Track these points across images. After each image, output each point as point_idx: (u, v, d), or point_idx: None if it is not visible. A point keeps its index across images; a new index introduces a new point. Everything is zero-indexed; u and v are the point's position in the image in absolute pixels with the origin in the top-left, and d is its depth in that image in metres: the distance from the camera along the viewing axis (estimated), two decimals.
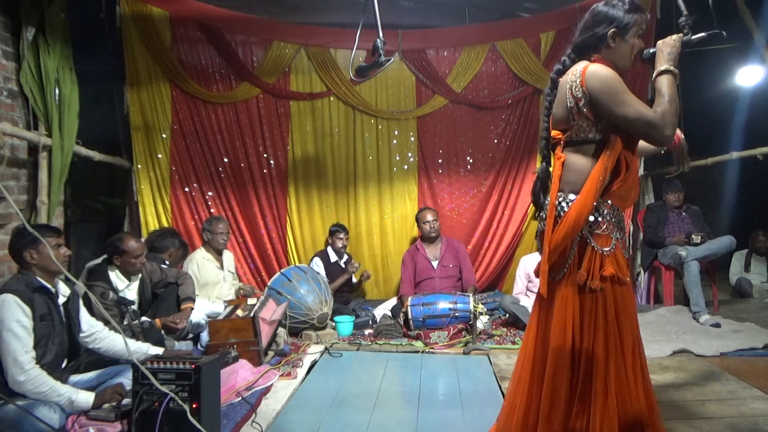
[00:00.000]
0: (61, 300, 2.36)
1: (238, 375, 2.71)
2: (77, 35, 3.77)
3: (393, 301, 4.41)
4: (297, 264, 4.48)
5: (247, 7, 4.67)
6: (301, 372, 2.99)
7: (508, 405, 1.95)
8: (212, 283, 4.01)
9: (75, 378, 2.46)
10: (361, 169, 4.91)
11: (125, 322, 2.89)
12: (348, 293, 4.63)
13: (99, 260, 3.16)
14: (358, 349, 3.52)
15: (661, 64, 1.67)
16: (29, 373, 2.06)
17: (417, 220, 4.60)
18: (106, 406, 2.23)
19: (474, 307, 3.52)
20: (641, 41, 1.75)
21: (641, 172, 4.81)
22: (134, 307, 3.08)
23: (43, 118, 3.51)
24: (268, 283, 3.94)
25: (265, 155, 4.79)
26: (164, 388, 1.90)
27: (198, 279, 3.85)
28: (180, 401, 1.90)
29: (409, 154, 4.95)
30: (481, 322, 3.50)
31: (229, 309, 3.32)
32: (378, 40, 2.95)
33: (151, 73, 4.51)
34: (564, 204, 1.75)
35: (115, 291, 3.03)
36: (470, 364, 3.20)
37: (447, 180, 4.97)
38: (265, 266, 4.82)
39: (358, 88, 4.82)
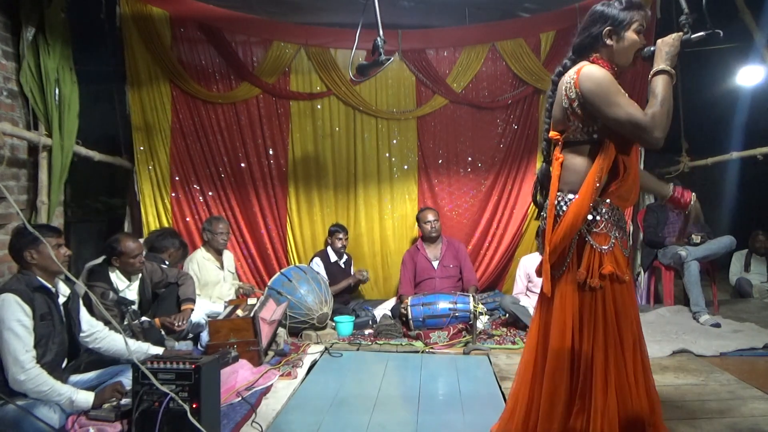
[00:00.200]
0: (62, 300, 2.36)
1: (238, 375, 2.71)
2: (77, 35, 3.77)
3: (393, 301, 4.40)
4: (297, 264, 4.48)
5: (247, 7, 4.67)
6: (301, 372, 2.99)
7: (511, 403, 1.97)
8: (212, 283, 4.01)
9: (75, 378, 2.46)
10: (361, 169, 4.90)
11: (125, 322, 2.88)
12: (348, 294, 4.63)
13: (99, 260, 3.16)
14: (358, 349, 3.52)
15: (658, 64, 1.67)
16: (30, 372, 2.06)
17: (418, 219, 4.60)
18: (106, 406, 2.23)
19: (474, 307, 3.53)
20: (642, 38, 1.74)
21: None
22: (134, 307, 3.08)
23: (43, 118, 3.51)
24: (268, 283, 3.94)
25: (265, 155, 4.79)
26: (164, 388, 1.90)
27: (198, 279, 3.85)
28: (180, 401, 1.90)
29: (409, 154, 4.95)
30: (481, 322, 3.50)
31: (229, 309, 3.32)
32: (378, 39, 2.94)
33: (151, 73, 4.51)
34: (563, 204, 1.77)
35: (116, 291, 3.03)
36: (470, 364, 3.20)
37: (447, 180, 4.97)
38: (265, 266, 4.82)
39: (358, 88, 4.82)
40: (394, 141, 4.93)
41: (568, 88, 1.74)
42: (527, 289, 4.22)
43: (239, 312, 3.19)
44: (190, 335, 3.41)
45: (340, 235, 4.51)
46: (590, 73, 1.69)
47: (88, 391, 2.24)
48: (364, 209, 4.92)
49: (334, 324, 3.84)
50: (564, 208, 1.75)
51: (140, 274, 3.19)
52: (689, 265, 4.07)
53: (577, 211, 1.71)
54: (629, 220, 4.62)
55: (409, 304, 3.83)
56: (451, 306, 3.75)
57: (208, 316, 3.38)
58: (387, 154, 4.92)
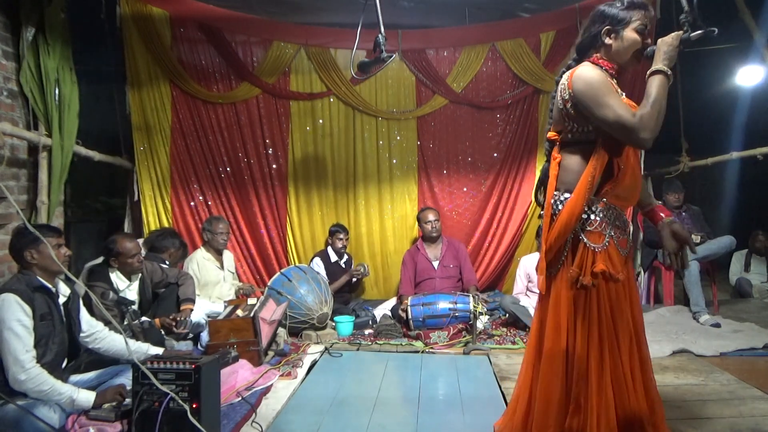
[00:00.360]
0: (62, 300, 2.36)
1: (238, 375, 2.71)
2: (77, 35, 3.77)
3: (393, 301, 4.40)
4: (297, 264, 4.48)
5: (247, 7, 4.67)
6: (301, 372, 2.99)
7: (513, 402, 1.99)
8: (212, 283, 4.01)
9: (75, 378, 2.46)
10: (361, 169, 4.90)
11: (125, 322, 2.89)
12: (348, 293, 4.63)
13: (99, 260, 3.16)
14: (358, 349, 3.52)
15: (656, 64, 1.66)
16: (30, 372, 2.06)
17: (418, 219, 4.60)
18: (106, 406, 2.23)
19: (474, 307, 3.53)
20: (644, 37, 1.73)
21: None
22: (134, 307, 3.08)
23: (43, 118, 3.51)
24: (268, 283, 3.94)
25: (265, 155, 4.79)
26: (164, 388, 1.90)
27: (198, 279, 3.86)
28: (180, 401, 1.90)
29: (409, 154, 4.94)
30: (481, 322, 3.50)
31: (229, 309, 3.32)
32: (380, 36, 2.94)
33: (151, 73, 4.51)
34: (558, 203, 1.79)
35: (116, 291, 3.03)
36: (470, 364, 3.20)
37: (447, 180, 4.97)
38: (265, 266, 4.82)
39: (358, 88, 4.82)
40: (394, 141, 4.93)
41: (563, 89, 1.77)
42: (527, 289, 4.22)
43: (239, 312, 3.19)
44: (190, 335, 3.41)
45: (341, 235, 4.51)
46: (582, 73, 1.71)
47: (89, 391, 2.24)
48: (364, 209, 4.92)
49: (334, 324, 3.84)
50: (560, 207, 1.77)
51: (140, 274, 3.19)
52: (689, 265, 4.07)
53: (570, 210, 1.72)
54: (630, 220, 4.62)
55: (409, 304, 3.83)
56: (451, 306, 3.75)
57: (208, 316, 3.38)
58: (387, 154, 4.92)
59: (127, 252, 3.04)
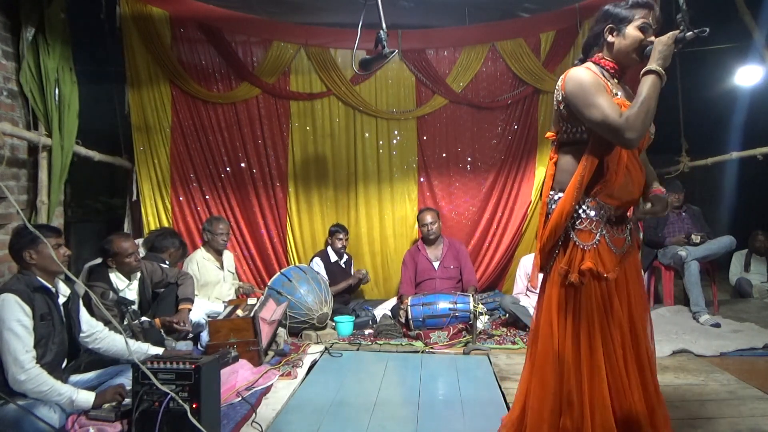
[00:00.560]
0: (62, 300, 2.36)
1: (238, 375, 2.71)
2: (77, 35, 3.77)
3: (393, 301, 4.40)
4: (297, 264, 4.48)
5: (247, 7, 4.67)
6: (301, 372, 2.99)
7: (516, 399, 1.99)
8: (212, 283, 4.01)
9: (75, 378, 2.46)
10: (361, 169, 4.90)
11: (125, 322, 2.88)
12: (348, 294, 4.63)
13: (98, 260, 3.16)
14: (358, 349, 3.52)
15: (650, 63, 1.66)
16: (30, 372, 2.06)
17: (418, 221, 4.60)
18: (106, 406, 2.23)
19: (474, 307, 3.53)
20: (647, 35, 1.72)
21: None
22: (134, 307, 3.08)
23: (43, 118, 3.51)
24: (268, 283, 3.94)
25: (265, 155, 4.79)
26: (164, 388, 1.90)
27: (198, 279, 3.85)
28: (180, 401, 1.90)
29: (409, 154, 4.94)
30: (481, 322, 3.50)
31: (229, 309, 3.32)
32: (381, 32, 2.94)
33: (151, 73, 4.51)
34: (552, 203, 1.82)
35: (116, 291, 3.02)
36: (470, 364, 3.20)
37: (447, 180, 4.97)
38: (265, 266, 4.82)
39: (358, 88, 4.82)
40: (394, 141, 4.94)
41: (557, 91, 1.79)
42: (527, 289, 4.22)
43: (239, 312, 3.19)
44: (190, 335, 3.41)
45: (341, 236, 4.51)
46: (573, 75, 1.73)
47: (89, 391, 2.24)
48: (364, 209, 4.92)
49: (334, 324, 3.84)
50: (553, 206, 1.80)
51: (140, 274, 3.19)
52: (689, 265, 4.07)
53: (560, 209, 1.75)
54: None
55: (409, 304, 3.83)
56: (451, 306, 3.75)
57: (208, 316, 3.38)
58: (387, 154, 4.92)
59: (123, 252, 3.03)
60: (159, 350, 2.67)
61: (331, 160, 4.90)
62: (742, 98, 5.45)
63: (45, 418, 2.02)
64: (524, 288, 4.24)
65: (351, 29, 4.33)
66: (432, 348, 3.49)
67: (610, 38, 1.77)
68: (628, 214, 1.91)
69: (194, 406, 1.92)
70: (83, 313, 2.49)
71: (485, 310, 3.59)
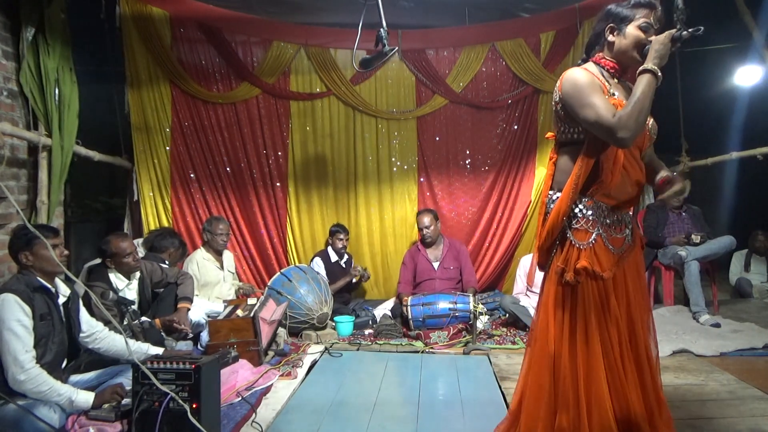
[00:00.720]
0: (62, 300, 2.36)
1: (238, 375, 2.71)
2: (77, 35, 3.77)
3: (393, 301, 4.40)
4: (297, 264, 4.48)
5: (247, 7, 4.67)
6: (301, 372, 2.99)
7: (513, 398, 1.99)
8: (212, 283, 4.01)
9: (75, 378, 2.46)
10: (361, 169, 4.91)
11: (125, 322, 2.88)
12: (348, 293, 4.63)
13: (98, 260, 3.16)
14: (358, 349, 3.52)
15: (646, 62, 1.65)
16: (29, 372, 2.06)
17: (416, 222, 4.60)
18: (106, 406, 2.23)
19: (474, 307, 3.53)
20: (649, 35, 1.71)
21: None
22: (134, 307, 3.08)
23: (43, 118, 3.51)
24: (268, 283, 3.94)
25: (265, 155, 4.79)
26: (164, 388, 1.90)
27: (198, 279, 3.85)
28: (180, 401, 1.90)
29: (409, 154, 4.94)
30: (481, 322, 3.50)
31: (229, 309, 3.32)
32: (382, 30, 2.94)
33: (151, 73, 4.51)
34: (550, 203, 1.83)
35: (115, 291, 3.02)
36: (470, 364, 3.20)
37: (447, 180, 4.97)
38: (265, 266, 4.82)
39: (358, 89, 4.82)
40: (394, 141, 4.94)
41: (555, 91, 1.80)
42: (527, 289, 4.22)
43: (239, 312, 3.19)
44: (190, 335, 3.41)
45: (341, 236, 4.51)
46: (569, 75, 1.73)
47: (88, 391, 2.24)
48: (364, 209, 4.92)
49: (334, 324, 3.84)
50: (551, 206, 1.81)
51: (139, 274, 3.19)
52: (689, 265, 4.07)
53: (557, 209, 1.76)
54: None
55: (409, 304, 3.83)
56: (451, 306, 3.75)
57: (208, 316, 3.38)
58: (387, 154, 4.92)
59: (121, 252, 3.02)
60: (159, 350, 2.67)
61: (331, 160, 4.90)
62: (741, 98, 5.45)
63: (45, 418, 2.02)
64: (524, 288, 4.24)
65: (351, 29, 4.33)
66: (432, 348, 3.49)
67: (610, 37, 1.77)
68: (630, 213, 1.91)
69: (194, 406, 1.92)
70: (83, 313, 2.49)
71: (485, 310, 3.60)
